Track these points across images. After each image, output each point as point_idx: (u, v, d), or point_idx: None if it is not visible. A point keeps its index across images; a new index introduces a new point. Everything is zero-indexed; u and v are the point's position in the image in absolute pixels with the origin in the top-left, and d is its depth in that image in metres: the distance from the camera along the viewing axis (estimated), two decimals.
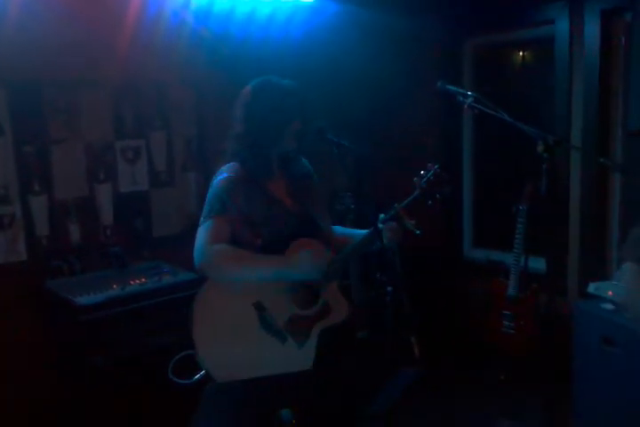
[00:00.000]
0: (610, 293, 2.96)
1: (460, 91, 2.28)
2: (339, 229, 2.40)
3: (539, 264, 3.63)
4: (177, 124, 3.65)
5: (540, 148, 2.11)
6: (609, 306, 2.89)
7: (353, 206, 3.43)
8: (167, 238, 3.62)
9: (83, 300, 2.85)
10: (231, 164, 2.19)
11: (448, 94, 2.32)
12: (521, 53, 4.12)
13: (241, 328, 2.07)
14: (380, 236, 2.11)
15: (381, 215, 2.16)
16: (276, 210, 2.17)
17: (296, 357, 2.09)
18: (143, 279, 3.11)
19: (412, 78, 4.25)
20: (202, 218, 2.13)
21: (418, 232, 2.12)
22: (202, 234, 2.10)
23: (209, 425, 2.17)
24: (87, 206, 3.32)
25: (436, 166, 2.17)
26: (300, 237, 2.14)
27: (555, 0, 3.54)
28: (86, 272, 3.22)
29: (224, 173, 2.17)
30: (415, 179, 2.17)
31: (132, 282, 3.07)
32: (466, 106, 2.24)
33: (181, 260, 3.39)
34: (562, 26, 3.55)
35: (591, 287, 3.07)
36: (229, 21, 3.63)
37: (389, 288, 2.87)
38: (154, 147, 3.57)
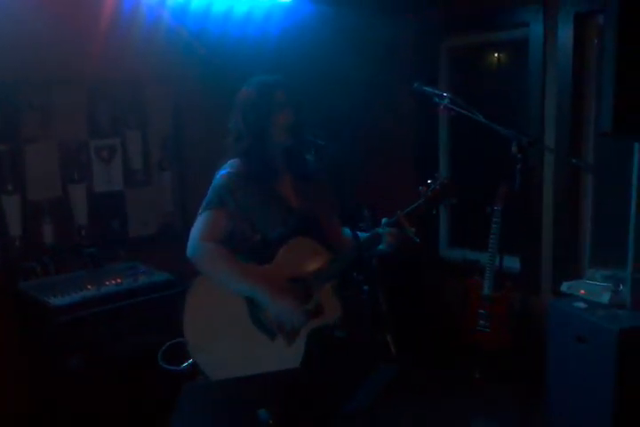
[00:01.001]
0: (582, 291, 3.01)
1: (436, 92, 2.31)
2: (348, 231, 2.40)
3: (513, 263, 3.68)
4: (153, 122, 3.62)
5: (513, 148, 2.14)
6: (582, 304, 2.94)
7: None
8: (143, 238, 3.59)
9: (57, 301, 2.82)
10: (233, 160, 2.23)
11: (424, 95, 2.34)
12: (496, 55, 4.16)
13: (231, 323, 2.10)
14: (379, 241, 2.14)
15: (384, 219, 2.18)
16: (277, 207, 2.19)
17: (285, 355, 2.10)
18: (119, 280, 3.08)
19: (388, 79, 4.27)
20: (200, 210, 2.17)
21: (417, 240, 2.14)
22: (197, 226, 2.15)
23: (186, 425, 2.16)
24: (61, 206, 3.28)
25: (443, 176, 2.18)
26: (300, 235, 2.16)
27: (529, 3, 3.59)
28: (60, 273, 3.18)
29: (226, 169, 2.21)
30: (421, 187, 2.17)
31: (107, 282, 3.04)
32: (442, 107, 2.27)
33: (157, 260, 3.38)
34: (536, 29, 3.59)
35: (564, 286, 3.12)
36: (206, 19, 3.61)
37: (366, 287, 2.88)
38: (129, 146, 3.54)
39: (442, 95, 2.28)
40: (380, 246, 2.17)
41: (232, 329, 2.09)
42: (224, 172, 2.20)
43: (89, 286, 2.98)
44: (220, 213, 2.13)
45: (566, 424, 2.98)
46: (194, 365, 2.10)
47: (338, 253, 2.19)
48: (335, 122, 3.97)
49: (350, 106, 4.32)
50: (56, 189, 3.26)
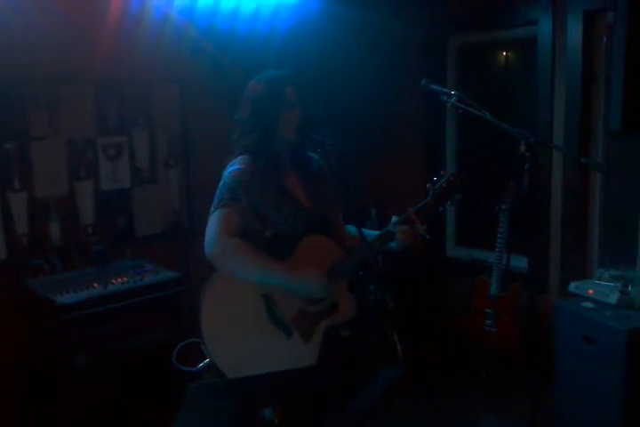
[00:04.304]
0: (590, 291, 2.98)
1: (444, 90, 2.29)
2: (352, 229, 2.40)
3: (521, 263, 3.66)
4: (160, 120, 3.62)
5: (522, 147, 2.12)
6: (589, 305, 2.92)
7: None
8: (149, 237, 3.59)
9: (64, 299, 2.82)
10: (242, 157, 2.22)
11: (432, 93, 2.32)
12: (504, 53, 4.14)
13: (248, 319, 2.09)
14: (391, 238, 2.14)
15: (394, 218, 2.18)
16: (289, 204, 2.19)
17: (301, 352, 2.11)
18: (125, 278, 3.08)
19: (396, 76, 4.26)
20: (212, 208, 2.15)
21: (428, 237, 2.14)
22: (213, 223, 2.12)
23: (191, 425, 2.15)
24: (68, 204, 3.28)
25: (449, 173, 2.19)
26: (312, 233, 2.16)
27: (538, 1, 3.56)
28: (67, 271, 3.19)
29: (235, 165, 2.19)
30: (428, 184, 2.18)
31: (113, 281, 3.04)
32: (449, 105, 2.24)
33: (164, 258, 3.38)
34: (545, 26, 3.56)
35: (572, 286, 3.10)
36: (214, 16, 3.61)
37: (372, 286, 2.87)
38: (136, 143, 3.54)
39: (450, 93, 2.26)
40: (392, 244, 2.17)
41: (249, 327, 2.09)
42: (234, 168, 2.18)
43: (95, 285, 2.99)
44: (233, 210, 2.12)
45: (575, 425, 2.96)
46: (210, 363, 2.09)
47: (350, 251, 2.18)
48: (341, 120, 3.95)
49: (357, 104, 4.30)
50: (63, 187, 3.26)
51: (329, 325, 2.15)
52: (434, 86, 2.32)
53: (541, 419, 2.29)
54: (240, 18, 3.69)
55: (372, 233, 2.24)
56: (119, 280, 3.05)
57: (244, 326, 2.09)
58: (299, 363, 2.09)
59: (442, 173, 2.21)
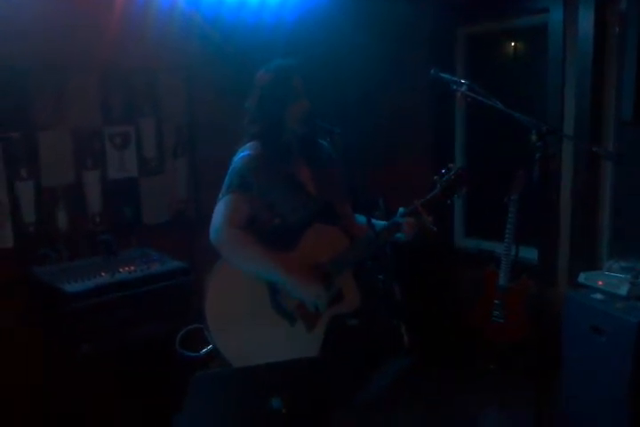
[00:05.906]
0: (600, 283, 2.96)
1: (454, 79, 2.26)
2: (361, 218, 2.39)
3: (530, 254, 3.64)
4: (167, 109, 3.61)
5: (532, 136, 2.09)
6: (599, 296, 2.90)
7: None
8: (156, 226, 3.59)
9: (71, 287, 2.82)
10: (252, 143, 2.21)
11: (441, 82, 2.30)
12: (514, 42, 4.09)
13: (253, 307, 2.10)
14: (398, 229, 2.16)
15: (401, 209, 2.19)
16: (297, 192, 2.19)
17: (304, 341, 2.11)
18: (132, 267, 3.08)
19: (405, 65, 4.23)
20: (220, 194, 2.15)
21: (434, 229, 2.16)
22: (220, 209, 2.12)
23: (196, 415, 2.16)
24: (75, 193, 3.28)
25: (457, 166, 2.21)
26: (319, 222, 2.16)
27: None
28: (74, 260, 3.19)
29: (246, 151, 2.18)
30: (435, 177, 2.20)
31: (120, 270, 3.04)
32: (459, 94, 2.22)
33: (171, 247, 3.38)
34: (556, 14, 3.52)
35: (581, 277, 3.08)
36: (221, 5, 3.59)
37: (380, 276, 2.87)
38: (143, 133, 3.53)
39: (459, 82, 2.24)
40: (398, 235, 2.19)
41: (253, 314, 2.09)
42: (244, 153, 2.18)
43: (102, 273, 2.99)
44: (241, 197, 2.11)
45: (581, 417, 2.95)
46: (214, 350, 2.09)
47: (355, 240, 2.17)
48: (349, 110, 3.93)
49: (365, 94, 4.28)
50: (70, 176, 3.26)
51: (333, 314, 2.14)
52: (444, 75, 2.30)
53: (549, 410, 2.28)
54: (247, 7, 3.67)
55: (379, 223, 2.23)
56: (126, 269, 3.05)
57: (248, 314, 2.09)
58: (302, 351, 2.09)
59: (450, 165, 2.21)
